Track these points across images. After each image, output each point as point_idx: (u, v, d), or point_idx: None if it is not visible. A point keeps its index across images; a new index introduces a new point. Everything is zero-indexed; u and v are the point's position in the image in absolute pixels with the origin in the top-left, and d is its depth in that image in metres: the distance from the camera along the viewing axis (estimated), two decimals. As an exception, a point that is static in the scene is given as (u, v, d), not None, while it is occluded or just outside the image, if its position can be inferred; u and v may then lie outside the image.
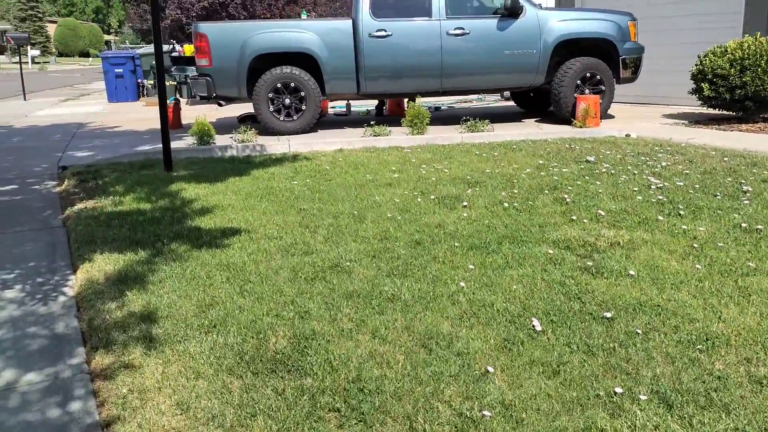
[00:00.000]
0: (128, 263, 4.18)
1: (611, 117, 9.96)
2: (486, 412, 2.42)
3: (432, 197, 5.46)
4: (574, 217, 4.71)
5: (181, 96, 16.87)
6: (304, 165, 7.05)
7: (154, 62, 16.37)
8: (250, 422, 2.44)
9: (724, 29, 10.33)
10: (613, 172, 6.10)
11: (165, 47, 16.23)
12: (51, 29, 63.06)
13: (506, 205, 5.12)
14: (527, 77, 9.57)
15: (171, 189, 6.13)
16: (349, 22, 9.26)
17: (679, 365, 2.69)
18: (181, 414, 2.52)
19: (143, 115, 13.23)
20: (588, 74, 9.45)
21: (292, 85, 9.18)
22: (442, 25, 9.21)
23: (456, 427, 2.35)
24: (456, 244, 4.28)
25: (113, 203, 5.69)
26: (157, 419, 2.48)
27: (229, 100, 9.66)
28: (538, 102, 11.25)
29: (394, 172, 6.51)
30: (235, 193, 5.91)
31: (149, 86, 15.69)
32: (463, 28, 9.23)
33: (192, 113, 11.14)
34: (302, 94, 9.21)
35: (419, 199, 5.41)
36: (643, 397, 2.47)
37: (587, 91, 9.49)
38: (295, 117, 9.28)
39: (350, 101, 12.01)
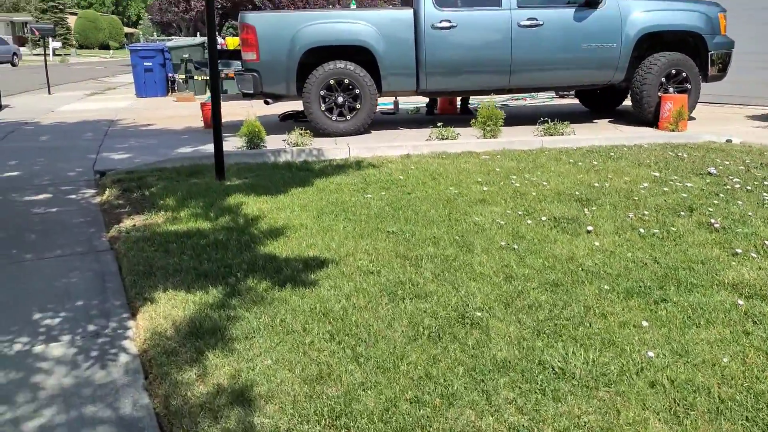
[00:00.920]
0: (200, 307, 3.38)
1: (692, 119, 9.03)
2: None
3: (543, 218, 4.61)
4: (738, 250, 3.84)
5: (211, 91, 16.11)
6: (372, 174, 6.22)
7: (184, 55, 15.71)
8: None
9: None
10: (748, 188, 5.20)
11: (200, 39, 15.45)
12: (71, 21, 62.68)
13: (642, 231, 4.25)
14: (605, 74, 8.66)
15: (229, 203, 5.32)
16: (410, 12, 8.39)
17: None
18: None
19: (176, 111, 12.47)
20: (673, 71, 8.52)
21: (346, 81, 8.35)
22: (513, 15, 8.32)
23: None
24: (605, 286, 3.43)
25: (166, 220, 4.90)
26: None
27: (276, 97, 8.85)
28: (605, 100, 10.35)
29: (481, 184, 5.66)
30: (304, 209, 5.09)
31: (180, 81, 14.92)
32: (536, 19, 8.34)
33: (223, 110, 10.37)
34: (357, 91, 8.37)
35: (528, 221, 4.56)
36: None
37: (671, 89, 8.56)
38: (348, 117, 8.46)
39: (398, 98, 11.15)
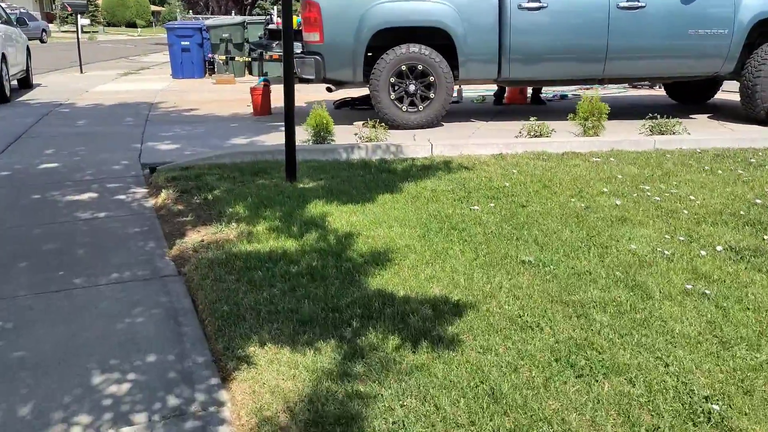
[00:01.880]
0: (315, 376, 2.50)
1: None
2: None
3: (717, 248, 3.66)
4: None
5: (250, 74, 15.24)
6: (468, 178, 5.30)
7: (224, 35, 14.81)
8: None
9: None
10: None
11: (240, 18, 14.54)
12: (99, -2, 61.95)
13: None
14: (713, 64, 7.62)
15: (311, 213, 4.44)
16: (494, -11, 7.41)
17: None
18: None
19: (217, 95, 11.61)
20: (792, 63, 7.46)
21: (420, 68, 7.41)
22: (612, -5, 7.31)
23: None
24: None
25: (240, 235, 4.03)
26: None
27: (339, 84, 7.94)
28: (694, 93, 9.29)
29: (609, 195, 4.72)
30: (403, 224, 4.19)
31: (220, 62, 14.02)
32: (638, 1, 7.31)
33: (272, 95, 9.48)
34: (431, 79, 7.43)
35: (701, 252, 3.62)
36: None
37: (788, 83, 7.51)
38: (420, 107, 7.53)
39: (462, 86, 10.16)
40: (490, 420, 2.22)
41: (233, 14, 25.52)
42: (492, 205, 4.59)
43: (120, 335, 2.94)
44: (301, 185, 5.18)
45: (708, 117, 8.22)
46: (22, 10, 34.93)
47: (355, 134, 6.62)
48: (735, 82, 8.01)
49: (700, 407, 2.26)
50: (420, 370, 2.53)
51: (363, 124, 6.76)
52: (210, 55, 14.64)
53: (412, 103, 7.51)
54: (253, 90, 9.11)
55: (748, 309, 2.96)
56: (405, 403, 2.32)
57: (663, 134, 6.50)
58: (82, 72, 16.42)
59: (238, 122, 8.60)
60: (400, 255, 3.69)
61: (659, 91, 10.57)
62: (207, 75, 15.05)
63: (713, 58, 7.56)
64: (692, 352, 2.61)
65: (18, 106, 10.29)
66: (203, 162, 5.94)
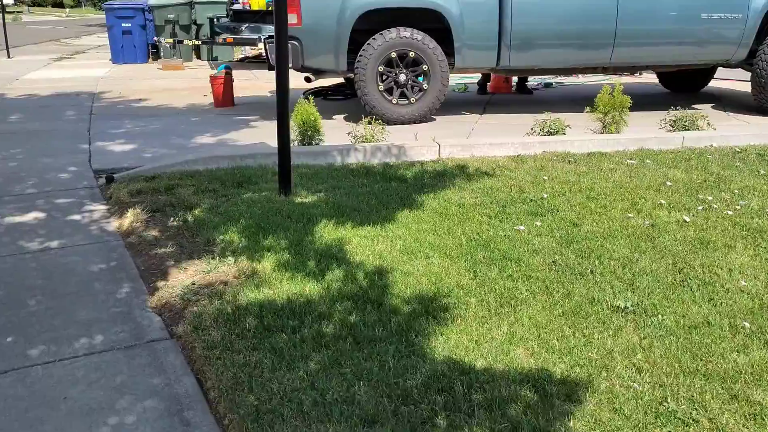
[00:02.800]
0: None
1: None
2: None
3: (842, 283, 3.00)
4: None
5: (198, 58, 14.03)
6: (493, 187, 4.52)
7: (170, 16, 13.54)
8: None
9: None
10: None
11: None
12: (23, -25, 58.15)
13: None
14: (726, 50, 7.06)
15: (324, 241, 3.57)
16: (494, -32, 6.61)
17: None
18: None
19: (167, 83, 10.47)
20: (807, 50, 6.97)
21: (411, 55, 6.57)
22: (622, -24, 6.63)
23: None
24: None
25: (241, 275, 3.14)
26: None
27: (320, 73, 7.01)
28: (687, 81, 8.76)
29: (669, 209, 4.03)
30: (442, 254, 3.39)
31: (167, 46, 12.77)
32: (649, -19, 6.66)
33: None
34: (424, 67, 6.61)
35: (829, 289, 2.95)
36: None
37: (800, 72, 7.02)
38: (412, 99, 6.70)
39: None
40: None
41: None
42: (539, 224, 3.83)
43: (104, 451, 2.04)
44: (299, 199, 4.29)
45: (712, 107, 7.69)
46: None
47: (348, 133, 5.74)
48: (731, 70, 7.49)
49: None
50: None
51: (344, 117, 5.87)
52: (155, 39, 13.36)
53: (402, 95, 6.67)
54: (213, 79, 8.09)
55: None
56: None
57: (687, 129, 5.87)
58: (9, 56, 14.85)
59: (199, 115, 7.60)
60: (455, 301, 2.89)
61: (644, 79, 10.02)
62: (150, 60, 13.79)
63: (726, 45, 6.99)
64: None
65: (-64, 98, 8.95)
66: (172, 170, 4.96)
